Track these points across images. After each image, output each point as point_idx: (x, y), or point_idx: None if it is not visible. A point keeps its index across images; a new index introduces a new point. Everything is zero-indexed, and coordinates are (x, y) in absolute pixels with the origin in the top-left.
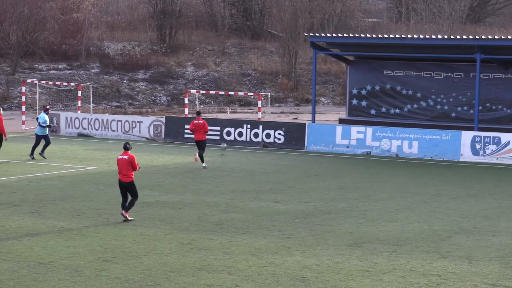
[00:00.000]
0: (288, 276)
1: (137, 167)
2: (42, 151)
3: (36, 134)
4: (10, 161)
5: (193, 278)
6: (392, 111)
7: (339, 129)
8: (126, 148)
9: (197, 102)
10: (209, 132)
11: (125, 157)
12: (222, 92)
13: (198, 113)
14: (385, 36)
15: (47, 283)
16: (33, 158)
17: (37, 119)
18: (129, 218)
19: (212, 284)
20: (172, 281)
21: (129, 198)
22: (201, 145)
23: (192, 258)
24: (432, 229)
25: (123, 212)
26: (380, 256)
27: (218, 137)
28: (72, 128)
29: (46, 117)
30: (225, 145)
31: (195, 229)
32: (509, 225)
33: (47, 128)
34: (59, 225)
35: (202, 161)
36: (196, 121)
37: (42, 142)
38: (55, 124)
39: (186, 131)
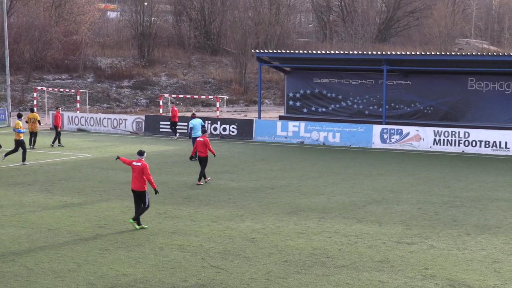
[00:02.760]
0: (241, 237)
1: (211, 148)
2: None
3: (194, 138)
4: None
5: (167, 239)
6: (320, 109)
7: (279, 123)
8: (204, 131)
9: (169, 104)
10: (178, 127)
11: (202, 139)
12: (188, 96)
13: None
14: (314, 52)
15: (55, 245)
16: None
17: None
18: (207, 180)
19: (183, 244)
20: (152, 242)
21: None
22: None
23: (166, 225)
24: (351, 200)
25: (205, 180)
26: (311, 221)
27: (186, 131)
28: (72, 124)
29: (196, 122)
30: None
31: (169, 202)
32: (409, 197)
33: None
34: (64, 200)
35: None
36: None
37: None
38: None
39: (161, 126)
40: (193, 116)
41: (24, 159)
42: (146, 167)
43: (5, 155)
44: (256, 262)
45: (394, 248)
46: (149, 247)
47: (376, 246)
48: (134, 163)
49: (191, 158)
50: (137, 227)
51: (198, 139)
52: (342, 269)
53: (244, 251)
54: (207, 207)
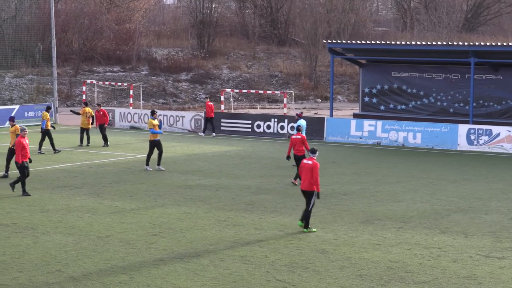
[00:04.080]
0: (310, 248)
1: (307, 145)
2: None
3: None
4: (73, 149)
5: (229, 250)
6: (398, 107)
7: (353, 122)
8: (298, 129)
9: (231, 100)
10: (241, 124)
11: (298, 136)
12: (253, 91)
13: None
14: (393, 42)
15: (104, 254)
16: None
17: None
18: (296, 182)
19: (245, 255)
20: (211, 252)
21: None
22: None
23: (228, 233)
24: (433, 208)
25: (294, 181)
26: (388, 231)
27: (249, 129)
28: (125, 121)
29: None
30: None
31: (230, 208)
32: (499, 205)
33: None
34: (114, 204)
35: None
36: None
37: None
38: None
39: (222, 124)
40: (300, 115)
41: (159, 162)
42: (316, 166)
43: (147, 165)
44: (326, 276)
45: (482, 262)
46: (208, 258)
47: (462, 260)
48: (305, 161)
49: (287, 158)
50: (305, 230)
51: (293, 136)
52: (423, 285)
53: (313, 264)
54: (273, 214)
